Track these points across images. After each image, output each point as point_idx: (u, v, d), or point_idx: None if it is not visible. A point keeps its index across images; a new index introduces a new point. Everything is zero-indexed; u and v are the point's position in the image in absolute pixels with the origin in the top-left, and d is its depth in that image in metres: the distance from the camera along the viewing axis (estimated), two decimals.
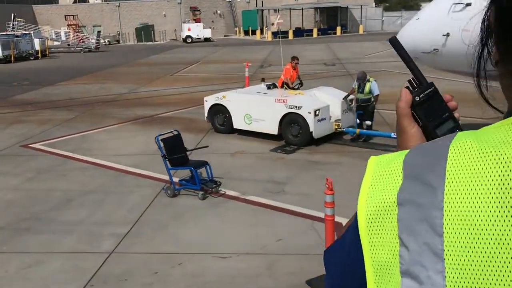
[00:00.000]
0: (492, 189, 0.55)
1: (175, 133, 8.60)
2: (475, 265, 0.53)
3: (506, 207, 0.53)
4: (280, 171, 9.42)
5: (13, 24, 47.64)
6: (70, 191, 8.74)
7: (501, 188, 0.54)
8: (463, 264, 0.54)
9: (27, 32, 44.43)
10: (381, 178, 0.67)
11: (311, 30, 59.76)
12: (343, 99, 11.50)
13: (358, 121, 11.34)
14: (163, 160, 8.27)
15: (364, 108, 11.25)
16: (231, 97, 12.28)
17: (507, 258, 0.52)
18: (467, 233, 0.54)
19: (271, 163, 10.06)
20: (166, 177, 8.81)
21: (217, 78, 23.86)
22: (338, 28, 60.37)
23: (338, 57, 32.36)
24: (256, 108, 11.72)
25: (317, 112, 10.79)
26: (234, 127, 12.27)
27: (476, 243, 0.54)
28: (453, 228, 0.56)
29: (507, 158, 0.55)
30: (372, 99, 11.20)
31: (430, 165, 0.61)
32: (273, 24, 63.87)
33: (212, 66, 29.83)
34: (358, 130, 11.00)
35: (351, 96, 11.59)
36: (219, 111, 12.52)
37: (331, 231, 5.33)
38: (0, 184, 9.26)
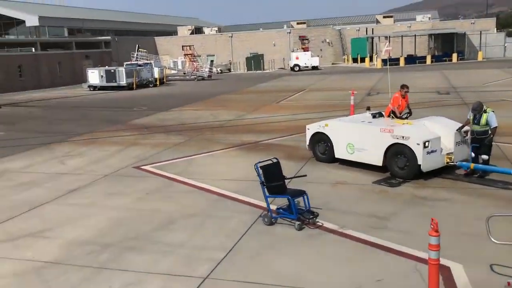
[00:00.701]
0: None
1: (274, 160, 8.57)
2: None
3: None
4: (383, 205, 8.92)
5: (136, 55, 52.16)
6: (174, 212, 9.08)
7: None
8: None
9: (148, 62, 48.35)
10: None
11: (424, 57, 57.33)
12: (457, 130, 10.69)
13: (473, 154, 10.41)
14: (261, 187, 8.27)
15: (480, 141, 10.32)
16: (334, 126, 12.04)
17: None
18: None
19: (374, 196, 9.58)
20: (265, 204, 8.80)
21: (321, 105, 23.72)
22: (454, 55, 57.18)
23: (453, 85, 30.52)
24: (360, 137, 11.34)
25: (426, 143, 10.14)
26: (336, 156, 11.98)
27: None
28: None
29: None
30: (489, 132, 10.25)
31: None
32: (382, 51, 62.53)
33: (317, 94, 29.80)
34: (472, 165, 10.09)
35: (466, 128, 10.74)
36: (321, 139, 12.34)
37: (435, 276, 4.85)
38: (114, 203, 9.93)
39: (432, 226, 4.86)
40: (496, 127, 10.25)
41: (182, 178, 11.49)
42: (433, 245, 4.87)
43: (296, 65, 57.24)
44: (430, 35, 62.54)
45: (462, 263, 6.44)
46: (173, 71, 58.91)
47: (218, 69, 60.61)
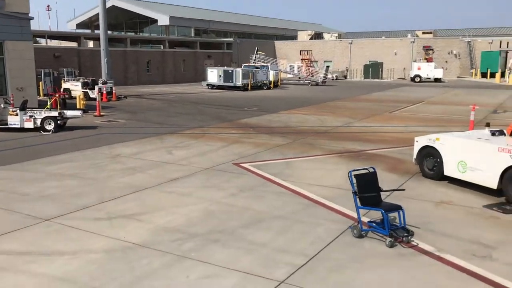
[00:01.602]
0: None
1: (371, 170, 8.07)
2: None
3: None
4: (491, 233, 7.94)
5: (255, 57, 53.56)
6: (263, 212, 9.00)
7: None
8: None
9: (265, 64, 49.37)
10: None
11: None
12: None
13: None
14: (353, 197, 7.83)
15: None
16: (446, 140, 11.08)
17: None
18: None
19: (482, 221, 8.59)
20: (356, 215, 8.35)
21: (438, 119, 22.17)
22: None
23: None
24: (474, 155, 10.28)
25: None
26: (445, 173, 11.01)
27: None
28: None
29: None
30: None
31: None
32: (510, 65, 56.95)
33: (436, 107, 27.95)
34: None
35: None
36: (429, 154, 11.43)
37: None
38: (208, 195, 10.14)
39: None
40: None
41: (277, 179, 11.39)
42: None
43: (417, 75, 54.51)
44: None
45: None
46: (288, 75, 59.51)
47: (334, 75, 59.93)
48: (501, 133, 11.25)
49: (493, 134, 11.04)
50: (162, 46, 56.88)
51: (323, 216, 8.85)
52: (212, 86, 43.97)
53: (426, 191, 10.46)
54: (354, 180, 7.80)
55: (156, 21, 65.77)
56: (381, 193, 8.42)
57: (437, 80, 53.93)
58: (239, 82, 42.08)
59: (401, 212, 7.66)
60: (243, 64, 51.21)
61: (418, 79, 54.14)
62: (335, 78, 59.69)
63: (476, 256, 7.02)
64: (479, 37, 68.53)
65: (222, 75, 43.08)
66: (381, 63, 62.34)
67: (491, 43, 62.38)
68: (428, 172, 11.50)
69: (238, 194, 10.20)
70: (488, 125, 12.02)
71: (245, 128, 19.74)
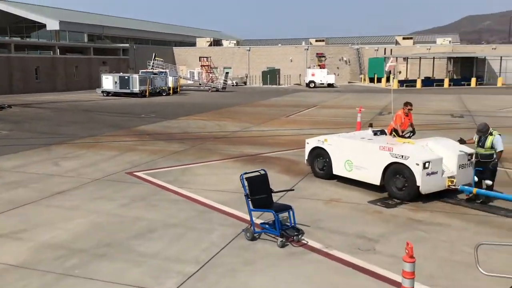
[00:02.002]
0: None
1: (262, 172, 8.16)
2: None
3: None
4: (375, 227, 8.42)
5: (153, 63, 52.44)
6: (156, 221, 8.70)
7: None
8: None
9: (164, 71, 48.54)
10: None
11: (442, 80, 56.59)
12: (458, 141, 10.23)
13: (476, 179, 9.87)
14: (245, 200, 7.85)
15: (484, 164, 9.77)
16: (333, 141, 11.60)
17: None
18: None
19: (367, 216, 9.08)
20: (254, 219, 8.41)
21: (330, 122, 23.28)
22: (473, 80, 56.31)
23: (469, 109, 29.83)
24: (359, 154, 10.88)
25: (426, 164, 9.63)
26: (334, 173, 11.52)
27: None
28: None
29: None
30: (495, 156, 9.70)
31: None
32: (400, 72, 61.96)
33: (328, 111, 29.37)
34: (475, 190, 9.55)
35: (471, 150, 10.22)
36: (319, 154, 11.90)
37: None
38: (97, 207, 9.59)
39: (407, 251, 4.39)
40: (502, 151, 9.68)
41: (172, 187, 11.13)
42: (408, 272, 4.38)
43: (311, 81, 56.96)
44: (449, 59, 61.84)
45: None
46: (189, 81, 59.08)
47: (234, 81, 60.63)
48: (382, 132, 12.05)
49: (375, 134, 11.78)
50: (52, 52, 53.49)
51: (218, 221, 8.78)
52: (107, 93, 42.22)
53: (317, 191, 10.85)
54: (246, 183, 7.83)
55: (44, 25, 61.72)
56: (276, 194, 8.61)
57: (330, 85, 56.79)
58: (136, 88, 40.88)
59: (291, 212, 7.82)
60: (141, 71, 49.89)
61: (313, 84, 56.62)
62: (235, 84, 60.39)
63: (360, 250, 7.37)
64: (366, 44, 73.54)
65: (118, 82, 41.57)
66: (278, 70, 64.29)
67: (377, 50, 67.21)
68: (319, 172, 11.95)
69: (129, 204, 9.78)
70: (371, 125, 12.81)
71: (141, 136, 19.14)
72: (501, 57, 57.82)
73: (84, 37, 65.43)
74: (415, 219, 8.87)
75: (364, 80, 64.93)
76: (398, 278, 6.36)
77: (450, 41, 71.96)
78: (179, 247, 7.50)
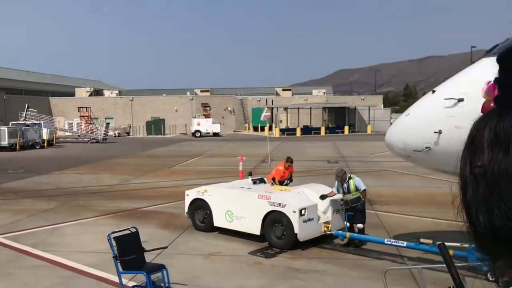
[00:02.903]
0: None
1: (133, 230, 7.61)
2: None
3: None
4: (253, 279, 8.22)
5: (25, 114, 48.79)
6: None
7: None
8: None
9: (37, 122, 45.30)
10: None
11: (319, 128, 60.27)
12: (320, 198, 10.48)
13: (348, 224, 10.21)
14: (114, 262, 7.19)
15: (354, 208, 10.21)
16: (213, 191, 11.39)
17: None
18: None
19: (246, 268, 8.87)
20: (126, 282, 7.73)
21: (215, 171, 23.18)
22: (346, 128, 60.84)
23: (343, 154, 31.85)
24: (238, 204, 10.77)
25: (302, 211, 9.79)
26: (215, 224, 11.24)
27: None
28: None
29: None
30: (361, 196, 10.21)
31: None
32: (281, 121, 64.97)
33: (213, 160, 29.40)
34: (348, 234, 9.87)
35: (338, 196, 10.64)
36: (200, 206, 11.57)
37: None
38: None
39: None
40: (365, 189, 10.29)
41: (35, 251, 9.95)
42: None
43: (197, 131, 57.08)
44: (324, 108, 66.35)
45: None
46: (67, 133, 55.79)
47: (116, 132, 58.52)
48: (262, 181, 12.15)
49: (254, 182, 11.82)
50: None
51: (86, 287, 7.92)
52: None
53: (197, 245, 10.44)
54: (114, 243, 7.21)
55: None
56: (152, 253, 8.05)
57: (215, 134, 57.41)
58: (4, 141, 37.32)
59: (164, 272, 7.33)
60: (11, 122, 45.97)
61: (199, 134, 56.76)
62: (117, 135, 58.26)
63: None
64: (249, 95, 76.32)
65: None
66: (163, 120, 63.62)
67: (259, 100, 69.97)
68: (200, 225, 11.59)
69: None
70: (250, 174, 12.88)
71: (4, 194, 17.21)
72: (369, 106, 63.52)
73: None
74: (294, 267, 8.86)
75: (249, 128, 66.81)
76: None
77: (324, 92, 77.60)
78: None
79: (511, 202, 0.54)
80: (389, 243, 9.26)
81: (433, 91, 8.05)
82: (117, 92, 74.40)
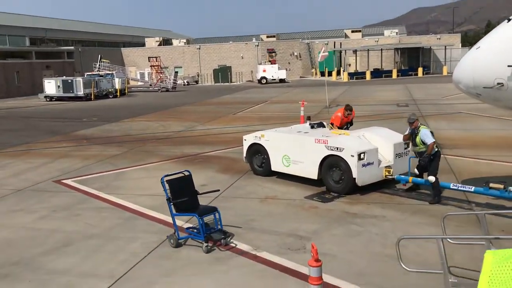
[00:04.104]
0: None
1: (186, 173, 7.63)
2: None
3: None
4: (309, 223, 8.05)
5: (99, 65, 50.74)
6: (74, 233, 8.02)
7: None
8: None
9: (110, 72, 47.02)
10: (500, 273, 0.63)
11: (390, 71, 57.57)
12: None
13: (417, 171, 9.24)
14: (168, 204, 7.30)
15: (423, 160, 9.22)
16: (270, 136, 11.20)
17: None
18: None
19: (302, 212, 8.71)
20: (182, 224, 7.91)
21: (277, 117, 22.95)
22: (420, 69, 57.62)
23: (414, 98, 30.27)
24: (295, 148, 10.51)
25: (362, 155, 9.35)
26: (272, 169, 11.11)
27: None
28: None
29: None
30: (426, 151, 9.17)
31: None
32: (349, 65, 62.74)
33: (277, 106, 29.11)
34: (411, 178, 9.33)
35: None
36: (257, 151, 11.46)
37: None
38: (13, 221, 8.79)
39: (312, 254, 3.97)
40: (433, 142, 9.10)
41: (100, 193, 10.42)
42: (314, 278, 3.96)
43: (263, 77, 56.69)
44: (396, 50, 63.04)
45: None
46: (139, 83, 57.61)
47: (185, 81, 59.58)
48: (320, 125, 11.75)
49: (312, 127, 11.46)
50: None
51: (143, 228, 8.18)
52: (51, 98, 40.41)
53: (254, 189, 10.41)
54: (167, 186, 7.28)
55: None
56: (209, 196, 8.12)
57: (281, 80, 56.74)
58: (80, 92, 39.31)
59: (217, 214, 7.33)
60: (86, 73, 48.13)
61: (265, 80, 56.38)
62: (186, 83, 59.35)
63: (290, 250, 6.97)
64: (317, 39, 74.09)
65: (61, 86, 39.83)
66: (230, 67, 63.70)
67: (327, 44, 67.64)
68: (258, 169, 11.53)
69: (49, 216, 9.02)
70: (309, 118, 12.50)
71: (78, 140, 18.16)
72: (445, 46, 59.44)
73: (26, 40, 62.61)
74: (351, 212, 8.58)
75: (316, 74, 65.30)
76: (325, 277, 6.01)
77: (397, 33, 73.49)
78: (95, 261, 6.86)
79: None
80: (455, 187, 8.65)
81: (509, 20, 7.11)
82: (185, 41, 75.12)
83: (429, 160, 9.10)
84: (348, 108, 12.12)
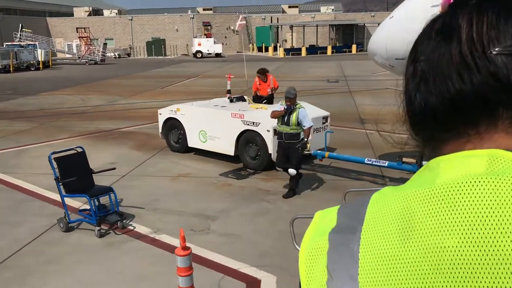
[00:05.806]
0: (394, 221, 0.61)
1: (79, 150, 6.87)
2: (381, 284, 0.59)
3: (405, 234, 0.59)
4: (219, 202, 7.58)
5: (20, 35, 47.28)
6: None
7: (401, 220, 0.60)
8: (372, 285, 0.60)
9: (32, 43, 43.93)
10: (319, 224, 0.72)
11: (325, 48, 58.07)
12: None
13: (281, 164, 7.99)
14: (56, 184, 6.54)
15: (288, 146, 7.78)
16: (186, 110, 10.56)
17: (406, 280, 0.57)
18: (375, 259, 0.61)
19: (214, 190, 8.23)
20: (80, 205, 7.19)
21: (206, 92, 22.20)
22: (354, 46, 58.55)
23: (345, 74, 30.52)
24: (212, 123, 9.96)
25: None
26: (189, 145, 10.51)
27: (381, 267, 0.60)
28: (365, 256, 0.62)
29: (409, 194, 0.61)
30: (302, 135, 7.81)
31: (355, 211, 0.68)
32: (285, 41, 62.60)
33: (208, 81, 28.33)
34: (327, 153, 9.08)
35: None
36: (174, 126, 10.79)
37: None
38: None
39: (180, 242, 3.47)
40: (310, 127, 7.89)
41: None
42: (182, 268, 3.47)
43: (198, 51, 55.31)
44: (331, 26, 63.60)
45: (277, 274, 5.23)
46: (67, 55, 54.47)
47: (116, 53, 57.03)
48: (240, 99, 11.23)
49: (231, 100, 10.92)
50: None
51: (35, 211, 7.37)
52: None
53: (167, 166, 9.79)
54: (55, 164, 6.51)
55: None
56: (115, 174, 7.43)
57: (217, 55, 55.63)
58: None
59: (112, 195, 6.66)
60: (5, 43, 44.69)
61: (200, 54, 55.02)
62: (117, 56, 56.80)
63: (193, 231, 6.47)
64: (254, 13, 73.21)
65: None
66: (164, 40, 61.69)
67: (264, 19, 67.13)
68: (174, 145, 10.89)
69: None
70: (228, 92, 11.96)
71: None
72: (378, 24, 60.55)
73: None
74: (264, 189, 8.20)
75: (253, 49, 64.70)
76: (224, 261, 5.58)
77: (333, 9, 74.07)
78: None
79: (445, 82, 0.60)
80: (370, 162, 8.48)
81: None
82: (116, 11, 71.76)
83: (296, 148, 7.79)
84: (259, 71, 11.69)
